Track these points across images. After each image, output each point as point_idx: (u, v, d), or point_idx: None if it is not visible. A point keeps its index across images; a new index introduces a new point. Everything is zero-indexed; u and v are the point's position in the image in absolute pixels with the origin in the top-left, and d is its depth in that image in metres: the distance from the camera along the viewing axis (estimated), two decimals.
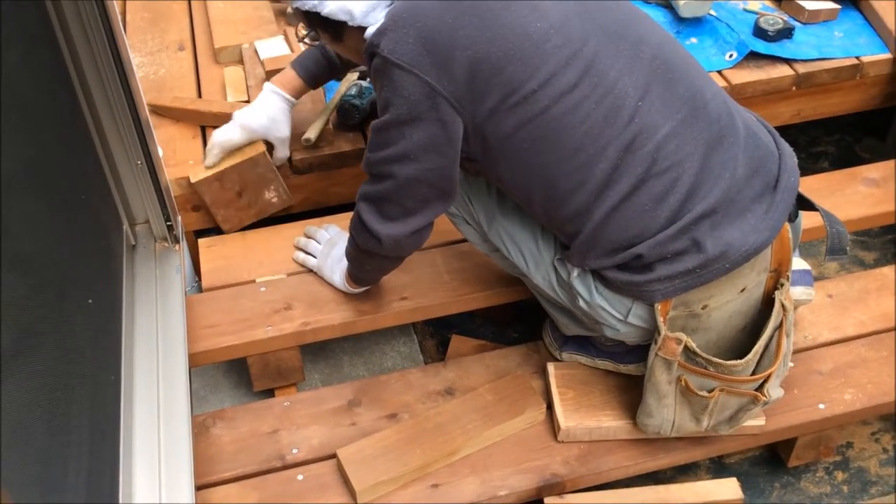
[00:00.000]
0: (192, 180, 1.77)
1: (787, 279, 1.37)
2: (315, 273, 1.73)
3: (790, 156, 1.38)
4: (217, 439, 1.54)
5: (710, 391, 1.37)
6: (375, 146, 1.33)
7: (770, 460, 1.71)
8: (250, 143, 1.79)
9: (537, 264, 1.47)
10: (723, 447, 1.56)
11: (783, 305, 1.35)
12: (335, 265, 1.68)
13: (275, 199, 1.85)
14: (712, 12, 2.12)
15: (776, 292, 1.36)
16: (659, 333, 1.33)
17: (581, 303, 1.41)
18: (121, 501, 1.21)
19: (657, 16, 2.15)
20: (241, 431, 1.55)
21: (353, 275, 1.62)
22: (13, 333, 0.95)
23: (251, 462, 1.50)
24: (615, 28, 1.29)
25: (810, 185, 1.94)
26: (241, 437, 1.54)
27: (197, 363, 1.61)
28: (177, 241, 1.64)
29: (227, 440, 1.54)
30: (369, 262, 1.52)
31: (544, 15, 1.25)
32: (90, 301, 1.26)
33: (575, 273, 1.40)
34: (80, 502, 1.06)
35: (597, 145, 1.26)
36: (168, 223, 1.62)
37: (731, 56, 2.02)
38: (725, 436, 1.52)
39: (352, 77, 1.97)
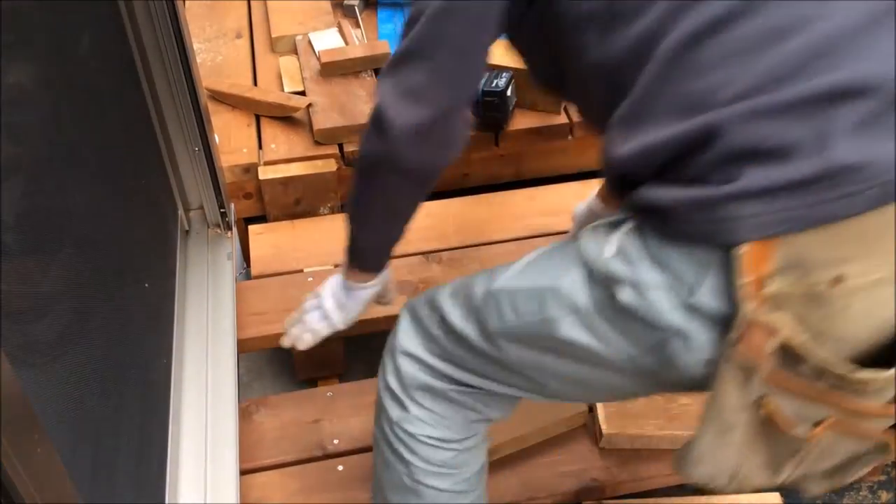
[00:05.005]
0: (260, 177, 1.81)
1: None
2: None
3: None
4: (259, 426, 1.55)
5: (814, 425, 0.84)
6: None
7: None
8: (324, 159, 1.83)
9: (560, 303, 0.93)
10: None
11: None
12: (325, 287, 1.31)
13: (326, 213, 1.89)
14: None
15: None
16: (738, 316, 0.79)
17: (625, 293, 0.86)
18: (168, 480, 1.23)
19: None
20: (284, 419, 1.56)
21: (351, 240, 1.23)
22: (74, 314, 0.97)
23: (292, 450, 1.51)
24: None
25: None
26: (284, 424, 1.56)
27: (244, 349, 1.63)
28: (229, 227, 1.66)
29: (270, 427, 1.55)
30: (369, 185, 1.11)
31: None
32: (146, 285, 1.28)
33: (612, 248, 0.88)
34: (130, 479, 1.09)
35: None
36: (221, 210, 1.64)
37: None
38: None
39: None
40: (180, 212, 1.63)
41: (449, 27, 0.97)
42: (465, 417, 1.12)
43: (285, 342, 1.31)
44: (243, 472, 1.45)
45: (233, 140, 1.89)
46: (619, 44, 0.91)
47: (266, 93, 1.97)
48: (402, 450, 1.13)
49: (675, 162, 0.82)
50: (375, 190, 1.11)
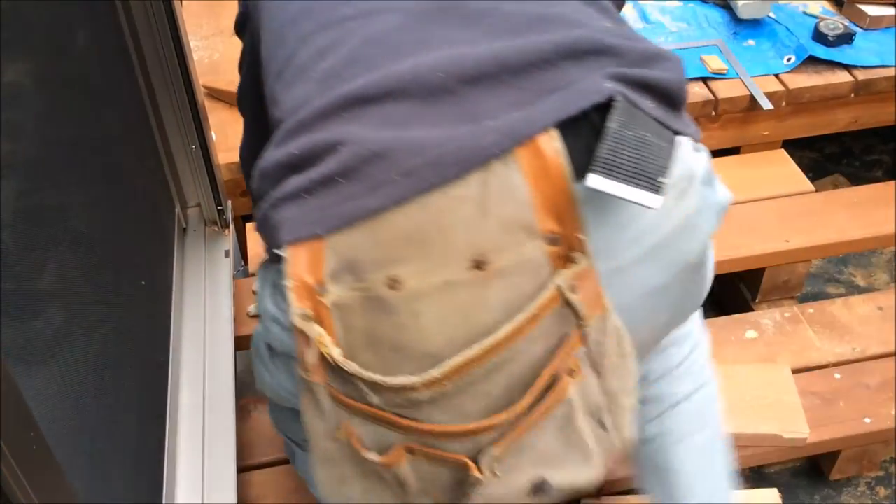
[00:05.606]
0: None
1: (584, 252, 0.72)
2: None
3: (640, 54, 0.79)
4: (258, 423, 1.55)
5: (384, 451, 0.78)
6: None
7: (811, 472, 1.69)
8: None
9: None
10: (764, 457, 1.54)
11: (569, 301, 0.73)
12: None
13: None
14: (771, 14, 2.08)
15: (557, 275, 0.72)
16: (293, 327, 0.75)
17: (258, 326, 0.90)
18: (165, 480, 1.23)
19: (715, 16, 2.12)
20: None
21: None
22: (71, 312, 0.97)
23: None
24: None
25: (863, 195, 1.90)
26: None
27: (241, 347, 1.63)
28: (226, 225, 1.66)
29: (268, 425, 1.54)
30: None
31: None
32: (143, 282, 1.28)
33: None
34: (127, 478, 1.08)
35: None
36: (219, 207, 1.64)
37: (788, 60, 1.98)
38: (769, 446, 1.50)
39: None
40: (177, 209, 1.62)
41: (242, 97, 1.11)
42: None
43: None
44: (241, 470, 1.45)
45: (230, 137, 1.89)
46: None
47: None
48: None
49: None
50: None
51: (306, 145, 0.75)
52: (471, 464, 0.76)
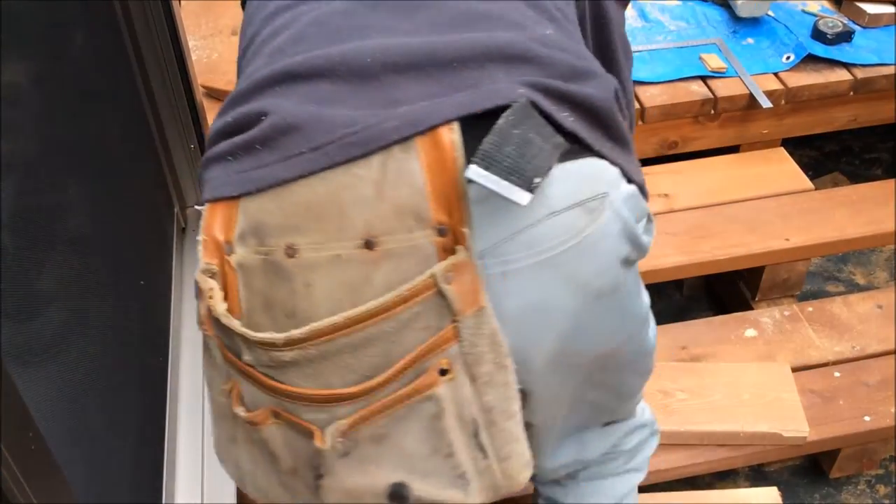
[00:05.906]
0: None
1: (465, 245, 0.73)
2: None
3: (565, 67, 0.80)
4: None
5: (252, 411, 0.80)
6: None
7: (811, 470, 1.69)
8: None
9: None
10: (764, 455, 1.54)
11: (442, 292, 0.73)
12: None
13: None
14: (770, 13, 2.08)
15: (438, 266, 0.73)
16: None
17: None
18: (165, 480, 1.23)
19: (714, 14, 2.12)
20: None
21: None
22: (70, 312, 0.97)
23: None
24: None
25: (862, 193, 1.90)
26: None
27: None
28: None
29: None
30: None
31: None
32: (142, 282, 1.28)
33: None
34: (126, 479, 1.08)
35: None
36: None
37: (788, 58, 1.98)
38: (769, 445, 1.50)
39: None
40: (176, 209, 1.63)
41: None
42: None
43: None
44: None
45: None
46: None
47: None
48: None
49: None
50: None
51: (240, 114, 0.79)
52: (316, 431, 0.77)
